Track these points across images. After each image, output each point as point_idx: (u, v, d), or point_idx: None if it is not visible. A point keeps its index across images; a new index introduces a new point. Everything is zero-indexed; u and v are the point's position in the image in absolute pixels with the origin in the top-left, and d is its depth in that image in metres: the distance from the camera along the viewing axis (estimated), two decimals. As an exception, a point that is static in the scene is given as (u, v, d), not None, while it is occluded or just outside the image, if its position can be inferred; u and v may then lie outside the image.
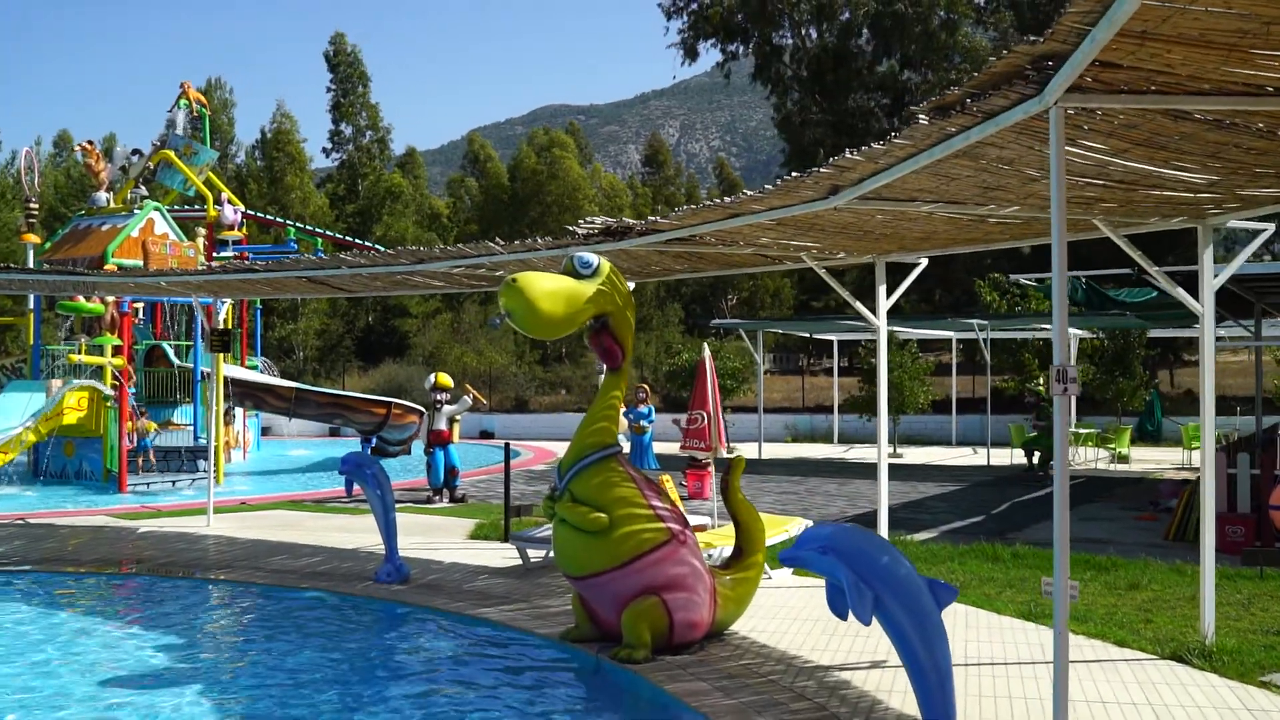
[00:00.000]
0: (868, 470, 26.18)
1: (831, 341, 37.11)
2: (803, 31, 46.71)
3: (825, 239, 9.29)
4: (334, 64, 72.08)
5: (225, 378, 22.84)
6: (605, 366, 8.94)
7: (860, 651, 8.82)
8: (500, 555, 13.45)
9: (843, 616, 5.84)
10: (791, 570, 11.53)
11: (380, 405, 25.07)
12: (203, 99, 29.03)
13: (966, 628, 9.61)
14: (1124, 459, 26.79)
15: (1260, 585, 11.42)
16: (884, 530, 11.73)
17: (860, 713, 7.23)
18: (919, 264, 11.78)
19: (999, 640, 9.17)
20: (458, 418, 19.55)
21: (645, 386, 27.26)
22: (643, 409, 26.41)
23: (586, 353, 55.74)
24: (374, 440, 26.02)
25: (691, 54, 49.64)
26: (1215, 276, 8.30)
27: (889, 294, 11.56)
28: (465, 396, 19.47)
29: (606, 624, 8.90)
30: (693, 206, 8.49)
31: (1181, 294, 8.40)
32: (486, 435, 40.14)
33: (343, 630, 10.17)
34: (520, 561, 12.72)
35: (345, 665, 8.99)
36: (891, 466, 28.22)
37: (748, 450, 30.49)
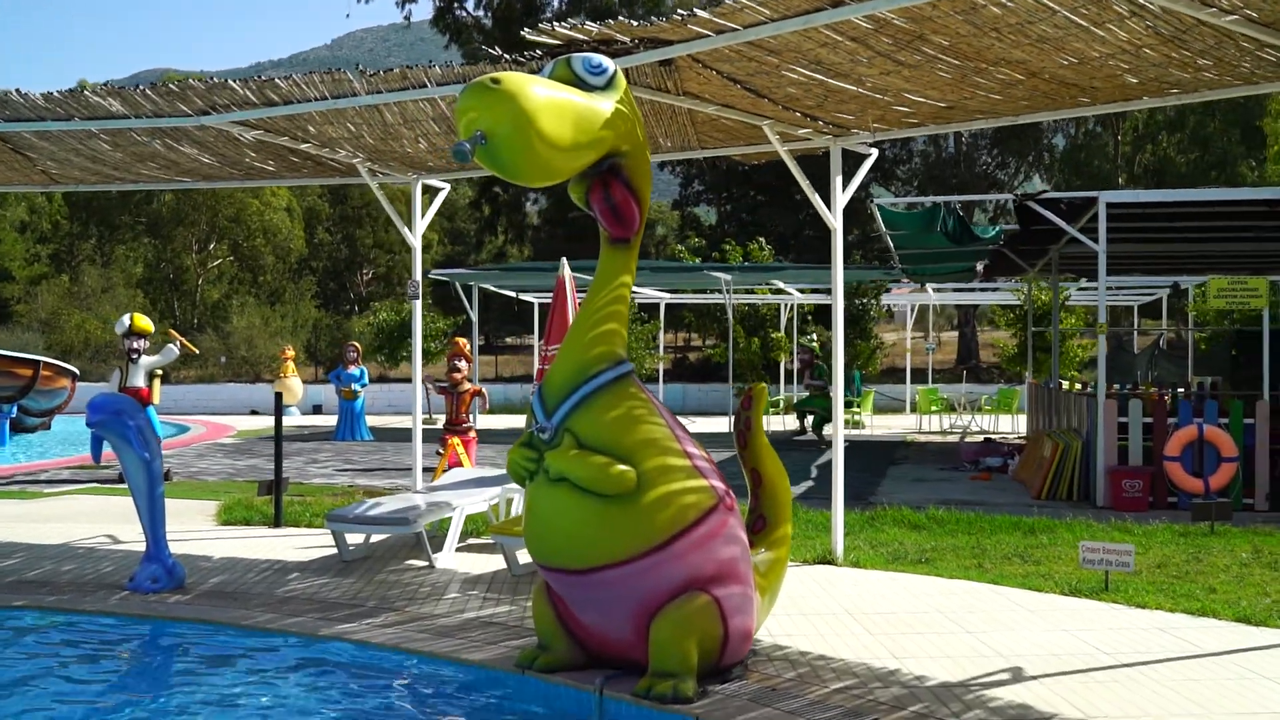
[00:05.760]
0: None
1: (532, 306, 34.31)
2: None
3: (895, 76, 6.50)
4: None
5: None
6: (610, 235, 5.69)
7: (960, 654, 6.13)
8: (288, 545, 9.71)
9: None
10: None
11: (25, 364, 19.67)
12: None
13: (1032, 613, 7.18)
14: (859, 424, 25.80)
15: (1241, 540, 9.83)
16: (838, 503, 9.13)
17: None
18: (870, 154, 9.31)
19: (1098, 627, 6.78)
20: (159, 372, 15.10)
21: (356, 345, 23.35)
22: (354, 370, 22.57)
23: (230, 322, 49.67)
24: (13, 409, 20.51)
25: (367, -10, 44.99)
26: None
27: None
28: (171, 345, 15.05)
29: (602, 642, 5.71)
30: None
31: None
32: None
33: (111, 677, 6.31)
34: (336, 551, 9.08)
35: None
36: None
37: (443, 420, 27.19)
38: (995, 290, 28.24)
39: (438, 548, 9.04)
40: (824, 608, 7.35)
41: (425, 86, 7.18)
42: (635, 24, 6.03)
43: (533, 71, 5.54)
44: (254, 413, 32.58)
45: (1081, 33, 5.72)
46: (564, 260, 10.46)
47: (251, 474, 15.44)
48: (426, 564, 8.77)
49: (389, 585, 8.04)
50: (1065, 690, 5.53)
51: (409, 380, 34.69)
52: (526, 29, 6.29)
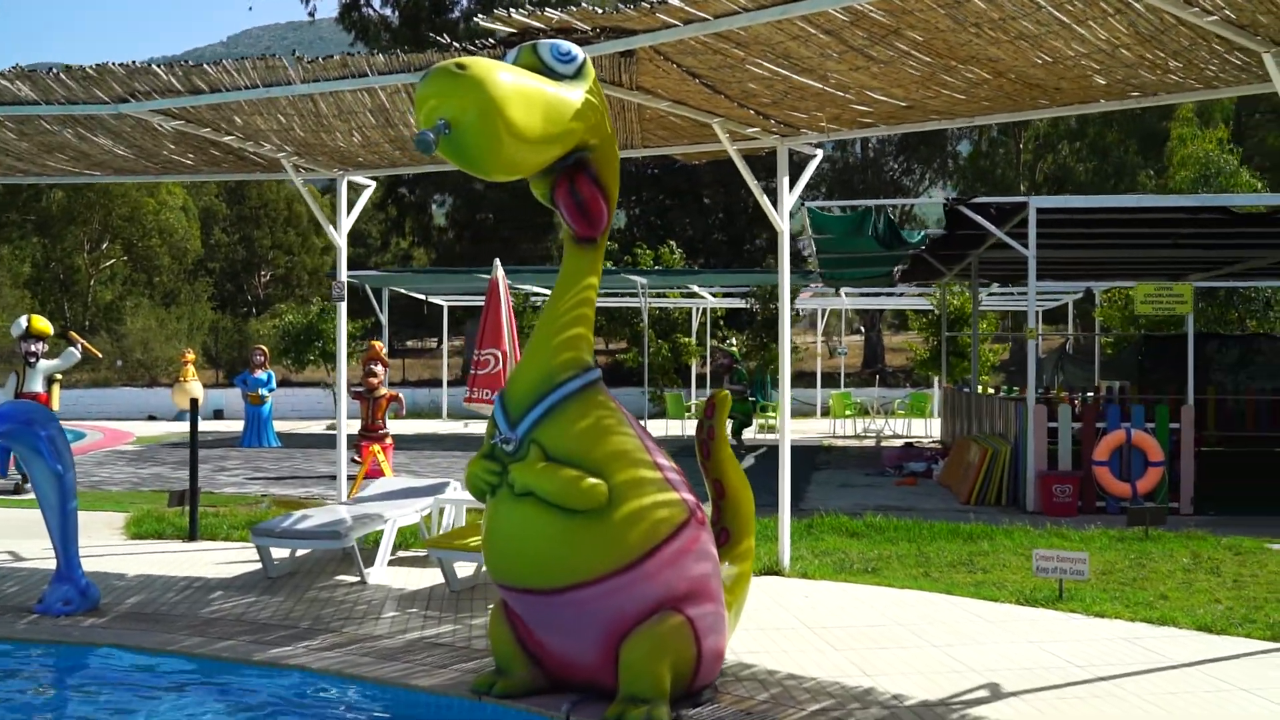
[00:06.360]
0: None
1: (441, 308, 33.71)
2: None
3: (863, 73, 6.30)
4: None
5: None
6: (575, 234, 5.37)
7: (931, 669, 5.93)
8: (206, 560, 9.17)
9: None
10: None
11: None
12: None
13: (992, 625, 7.04)
14: (773, 429, 25.74)
15: (1177, 545, 9.85)
16: (785, 512, 8.94)
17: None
18: (815, 155, 9.16)
19: (1063, 638, 6.65)
20: (59, 376, 14.33)
21: (263, 349, 22.62)
22: (261, 375, 21.84)
23: (124, 324, 48.02)
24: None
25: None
26: None
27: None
28: (72, 348, 14.30)
29: (565, 665, 5.38)
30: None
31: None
32: (17, 416, 32.72)
33: (21, 711, 5.80)
34: (260, 567, 8.60)
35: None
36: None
37: (354, 426, 26.44)
38: (901, 295, 28.47)
39: (368, 562, 8.61)
40: (781, 622, 7.11)
41: (366, 75, 6.78)
42: (599, 11, 5.72)
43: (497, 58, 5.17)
44: (152, 418, 31.46)
45: (1063, 30, 5.57)
46: (497, 261, 10.13)
47: (157, 483, 14.76)
48: (358, 580, 8.34)
49: (321, 604, 7.60)
50: (1047, 707, 5.36)
51: (315, 385, 33.80)
52: (481, 16, 5.95)
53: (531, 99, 4.78)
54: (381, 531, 8.86)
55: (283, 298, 58.38)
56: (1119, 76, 6.42)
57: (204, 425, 28.27)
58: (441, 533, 9.40)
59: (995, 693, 5.58)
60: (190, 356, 31.46)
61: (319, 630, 6.85)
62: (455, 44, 6.41)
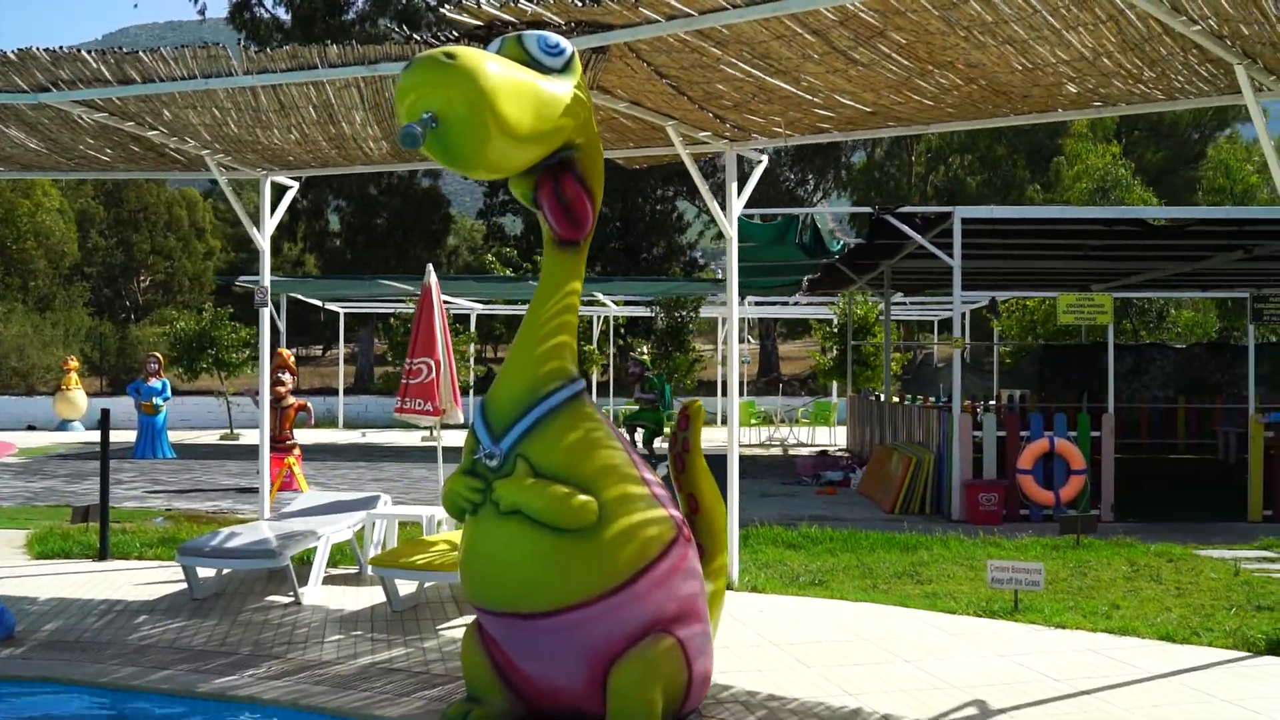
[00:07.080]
0: (404, 454, 22.12)
1: (337, 315, 33.00)
2: (290, -29, 41.42)
3: (839, 76, 6.14)
4: None
5: None
6: (559, 236, 5.11)
7: (911, 686, 5.79)
8: (123, 581, 8.63)
9: None
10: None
11: None
12: None
13: (958, 638, 6.94)
14: (680, 437, 25.58)
15: (1110, 553, 9.96)
16: (734, 525, 8.76)
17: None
18: (761, 162, 9.02)
19: (1031, 651, 6.59)
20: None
21: (158, 356, 21.73)
22: (155, 383, 20.98)
23: (8, 327, 45.86)
24: None
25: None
26: None
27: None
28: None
29: (545, 692, 5.09)
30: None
31: None
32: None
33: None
34: (185, 588, 8.10)
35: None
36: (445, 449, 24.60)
37: (250, 436, 25.57)
38: (797, 304, 28.70)
39: (300, 581, 8.17)
40: (744, 639, 6.91)
41: (316, 68, 6.40)
42: (579, 4, 5.47)
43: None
44: (31, 428, 30.03)
45: (1052, 35, 5.49)
46: (430, 268, 9.77)
47: (53, 497, 13.99)
48: (292, 600, 7.91)
49: (258, 627, 7.16)
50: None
51: (208, 394, 32.67)
52: (448, 5, 5.65)
53: (522, 93, 4.52)
54: (313, 549, 8.43)
55: (163, 304, 56.53)
56: (1090, 85, 6.39)
57: (88, 435, 27.11)
58: (373, 549, 9.00)
59: (984, 710, 5.46)
60: (73, 364, 30.19)
61: (262, 657, 6.43)
62: (415, 36, 6.08)
